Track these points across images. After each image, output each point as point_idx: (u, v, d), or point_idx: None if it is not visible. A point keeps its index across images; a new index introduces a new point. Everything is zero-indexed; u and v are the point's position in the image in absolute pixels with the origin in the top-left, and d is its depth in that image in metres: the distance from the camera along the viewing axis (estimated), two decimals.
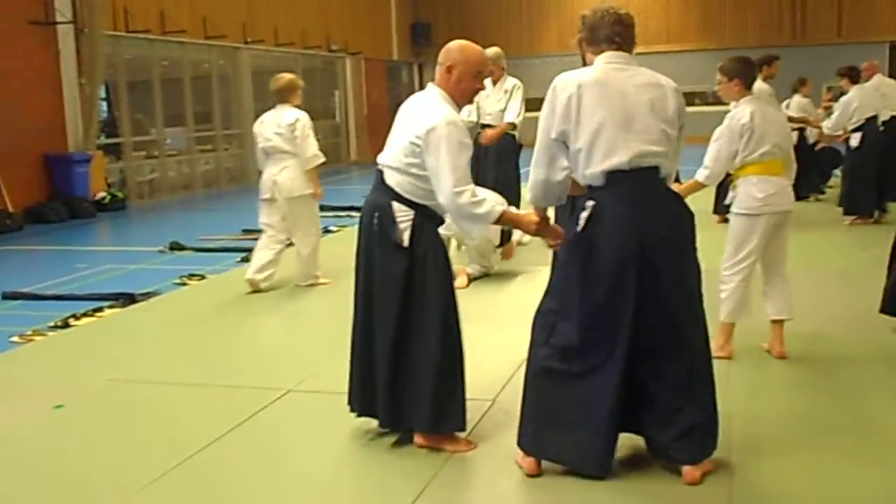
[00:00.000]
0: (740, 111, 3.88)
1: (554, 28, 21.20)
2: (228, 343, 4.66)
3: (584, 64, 2.90)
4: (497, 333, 4.36)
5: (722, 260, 3.97)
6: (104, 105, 12.24)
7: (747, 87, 3.93)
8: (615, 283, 2.67)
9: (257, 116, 6.09)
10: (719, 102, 4.39)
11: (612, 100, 2.69)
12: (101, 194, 10.85)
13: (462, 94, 3.00)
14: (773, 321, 3.98)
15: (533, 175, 2.85)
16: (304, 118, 5.70)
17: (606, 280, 2.68)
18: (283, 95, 5.72)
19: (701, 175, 3.98)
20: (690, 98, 20.46)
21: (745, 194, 3.87)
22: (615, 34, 2.79)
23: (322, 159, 5.79)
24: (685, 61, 19.91)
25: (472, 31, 22.10)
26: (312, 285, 5.97)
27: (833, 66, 10.22)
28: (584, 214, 2.71)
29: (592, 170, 2.70)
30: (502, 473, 2.85)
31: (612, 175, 2.68)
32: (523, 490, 2.76)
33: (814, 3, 19.61)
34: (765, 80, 7.70)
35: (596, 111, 2.68)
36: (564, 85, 2.74)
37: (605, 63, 2.78)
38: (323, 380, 3.93)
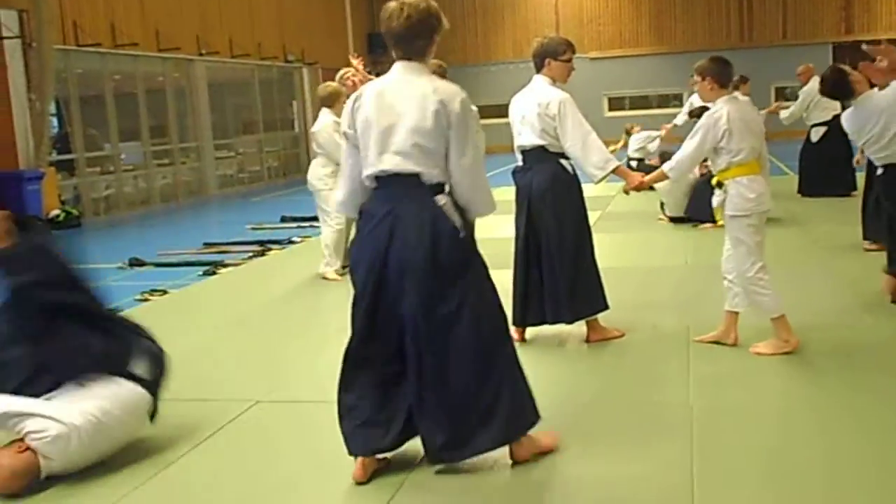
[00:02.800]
0: (717, 111, 3.81)
1: (509, 35, 21.43)
2: (194, 357, 4.61)
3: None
4: None
5: (734, 266, 3.89)
6: (55, 121, 12.02)
7: (721, 85, 3.82)
8: None
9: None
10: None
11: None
12: (55, 212, 10.64)
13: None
14: (728, 311, 4.05)
15: None
16: (322, 125, 6.25)
17: None
18: (323, 102, 6.37)
19: (666, 166, 3.99)
20: (645, 101, 21.00)
21: (739, 196, 3.79)
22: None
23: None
24: (639, 65, 20.32)
25: None
26: (325, 278, 6.34)
27: (779, 67, 10.52)
28: None
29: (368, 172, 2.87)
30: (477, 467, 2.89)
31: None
32: (496, 481, 2.80)
33: (760, 6, 20.17)
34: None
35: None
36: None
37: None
38: (290, 390, 3.93)
